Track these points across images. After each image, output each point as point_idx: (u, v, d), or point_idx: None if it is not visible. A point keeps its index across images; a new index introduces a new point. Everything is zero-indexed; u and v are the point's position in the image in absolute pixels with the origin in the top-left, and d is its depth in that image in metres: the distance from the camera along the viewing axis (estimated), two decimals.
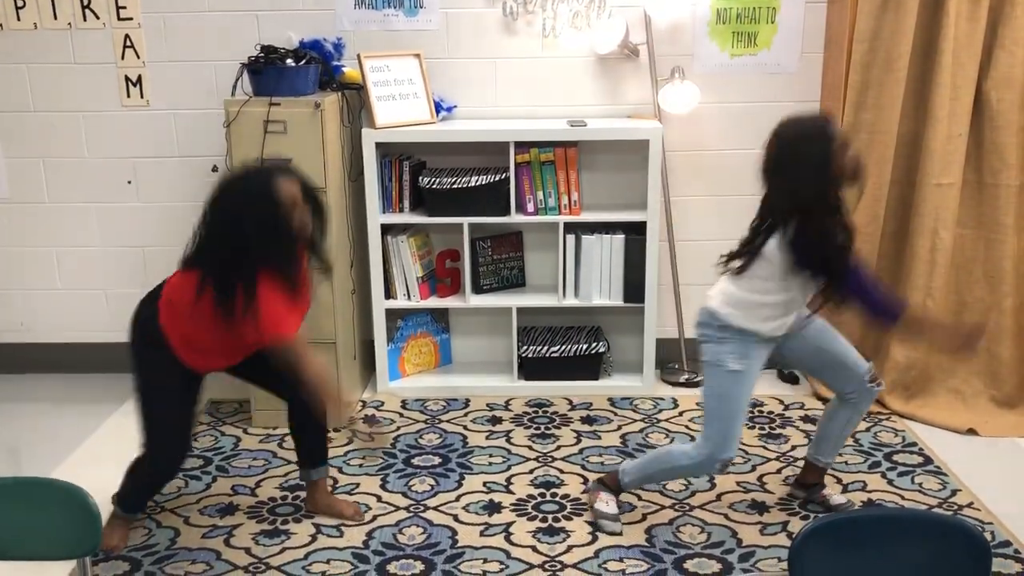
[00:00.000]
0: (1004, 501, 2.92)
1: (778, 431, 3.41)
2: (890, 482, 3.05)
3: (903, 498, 2.96)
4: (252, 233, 2.41)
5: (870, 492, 2.99)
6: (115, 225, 3.88)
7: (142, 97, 3.72)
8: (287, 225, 2.48)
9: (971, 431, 3.39)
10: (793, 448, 3.28)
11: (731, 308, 2.58)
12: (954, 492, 2.99)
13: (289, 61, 3.32)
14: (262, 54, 3.33)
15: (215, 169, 3.75)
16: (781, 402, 3.62)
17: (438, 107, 3.62)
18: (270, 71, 3.28)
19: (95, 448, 3.38)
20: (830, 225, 2.41)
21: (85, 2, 3.62)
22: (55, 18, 3.64)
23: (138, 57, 3.68)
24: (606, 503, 2.80)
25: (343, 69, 3.56)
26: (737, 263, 2.55)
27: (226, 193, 2.50)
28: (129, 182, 3.82)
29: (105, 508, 2.82)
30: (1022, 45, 3.29)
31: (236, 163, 3.29)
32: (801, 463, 3.12)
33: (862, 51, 3.39)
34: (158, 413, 2.64)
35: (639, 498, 2.95)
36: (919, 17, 3.33)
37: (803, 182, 2.39)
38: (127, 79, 3.71)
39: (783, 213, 2.44)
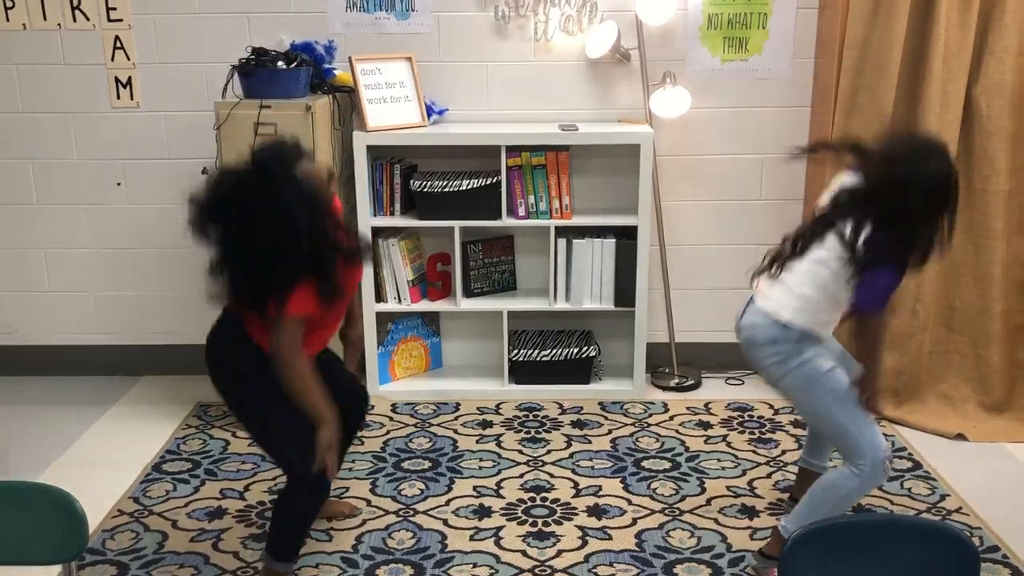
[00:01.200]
0: (993, 506, 2.93)
1: (768, 436, 3.41)
2: (880, 487, 3.05)
3: (892, 503, 2.97)
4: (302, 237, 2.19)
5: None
6: (105, 227, 3.86)
7: (132, 99, 3.71)
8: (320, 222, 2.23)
9: (960, 436, 3.40)
10: (783, 452, 3.28)
11: (802, 312, 2.45)
12: (943, 497, 3.00)
13: (280, 63, 3.31)
14: (253, 56, 3.32)
15: (204, 171, 3.73)
16: (771, 406, 3.63)
17: (429, 110, 3.62)
18: (261, 73, 3.28)
19: (83, 451, 3.36)
20: (921, 233, 2.34)
21: (75, 3, 3.61)
22: (44, 19, 3.63)
23: (128, 59, 3.67)
24: None
25: (334, 72, 3.55)
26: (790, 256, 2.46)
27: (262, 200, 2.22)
28: (119, 184, 3.81)
29: (93, 511, 2.81)
30: (1012, 52, 3.30)
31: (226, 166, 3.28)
32: (792, 468, 3.12)
33: (853, 57, 3.40)
34: (297, 430, 2.35)
35: (629, 503, 2.95)
36: (909, 24, 3.34)
37: (926, 191, 2.31)
38: (117, 80, 3.69)
39: (875, 212, 2.33)
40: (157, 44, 3.66)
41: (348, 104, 3.58)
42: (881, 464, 2.43)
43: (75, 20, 3.63)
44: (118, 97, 3.71)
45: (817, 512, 2.43)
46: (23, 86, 3.71)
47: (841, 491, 2.46)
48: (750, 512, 2.90)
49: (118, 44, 3.65)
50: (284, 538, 2.46)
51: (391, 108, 3.51)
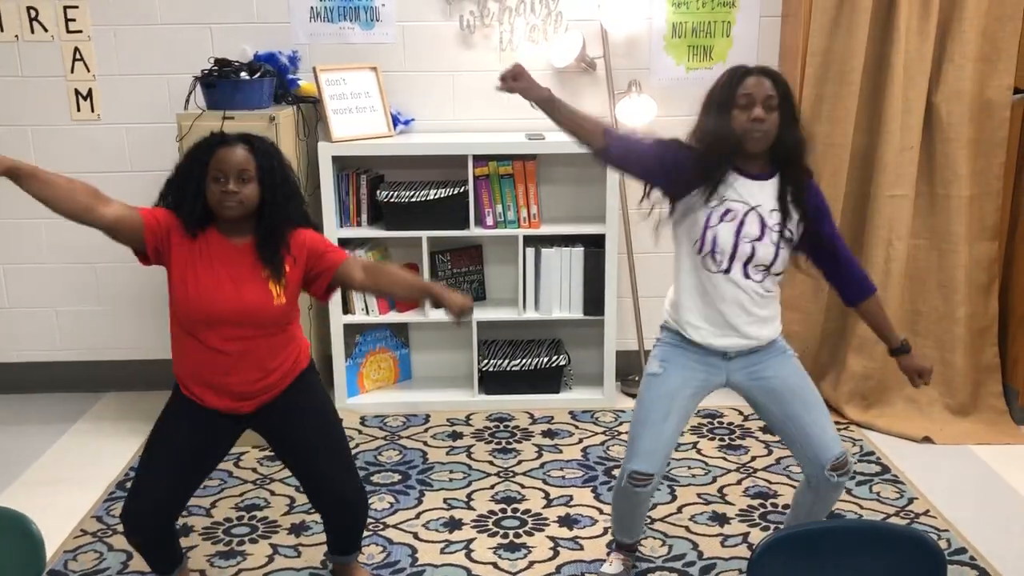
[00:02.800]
0: (959, 508, 2.96)
1: (738, 442, 3.42)
2: (848, 491, 3.07)
3: (861, 507, 2.98)
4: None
5: None
6: (65, 241, 3.80)
7: (93, 111, 3.66)
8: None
9: (927, 439, 3.43)
10: (753, 459, 3.29)
11: (669, 306, 2.44)
12: (911, 500, 3.02)
13: (243, 74, 3.28)
14: (216, 67, 3.29)
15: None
16: (740, 412, 3.64)
17: (395, 120, 3.60)
18: (224, 84, 3.24)
19: (45, 470, 3.29)
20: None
21: (33, 14, 3.55)
22: (1, 30, 3.56)
23: (88, 70, 3.61)
24: None
25: (299, 82, 3.52)
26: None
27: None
28: None
29: (55, 531, 2.76)
30: (970, 59, 3.35)
31: None
32: (762, 475, 3.13)
33: (815, 65, 3.44)
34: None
35: (600, 512, 2.94)
36: (871, 32, 3.38)
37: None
38: (77, 93, 3.64)
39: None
40: (118, 55, 3.61)
41: (313, 115, 3.56)
42: (626, 471, 2.36)
43: (33, 31, 3.57)
44: (78, 109, 3.66)
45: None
46: None
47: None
48: (721, 519, 2.90)
49: (78, 56, 3.60)
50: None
51: (357, 118, 3.49)
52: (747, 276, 2.28)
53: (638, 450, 2.35)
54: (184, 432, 2.30)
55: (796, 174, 2.28)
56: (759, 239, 2.25)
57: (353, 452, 3.32)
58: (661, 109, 3.64)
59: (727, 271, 2.28)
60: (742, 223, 2.25)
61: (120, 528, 2.87)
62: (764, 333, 2.34)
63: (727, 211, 2.25)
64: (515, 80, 2.37)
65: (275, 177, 2.27)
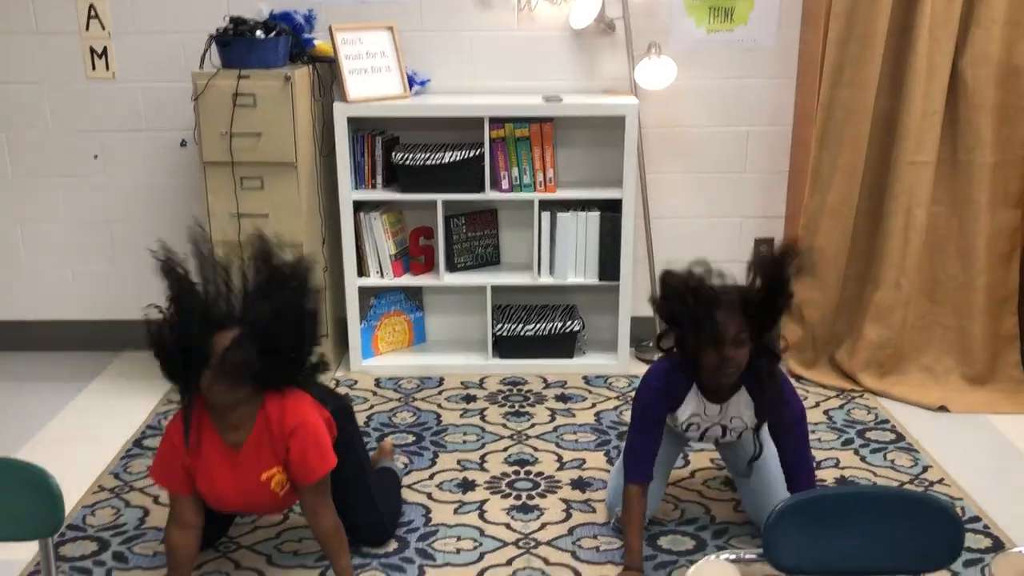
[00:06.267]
0: (974, 477, 2.95)
1: None
2: (863, 459, 3.06)
3: (875, 475, 2.98)
4: None
5: (843, 469, 3.00)
6: (81, 200, 3.80)
7: (108, 69, 3.64)
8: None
9: (942, 408, 3.41)
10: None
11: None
12: (925, 468, 3.01)
13: (259, 33, 3.25)
14: (231, 25, 3.26)
15: (183, 144, 3.68)
16: None
17: (411, 81, 3.57)
18: (239, 43, 3.21)
19: (62, 428, 3.32)
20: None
21: None
22: None
23: (103, 28, 3.59)
24: None
25: (314, 42, 3.49)
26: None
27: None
28: (95, 156, 3.74)
29: (73, 487, 2.79)
30: (998, 22, 3.28)
31: (205, 138, 3.23)
32: None
33: (838, 27, 3.37)
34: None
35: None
36: None
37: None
38: (92, 51, 3.62)
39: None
40: (133, 13, 3.58)
41: (328, 75, 3.53)
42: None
43: None
44: (93, 68, 3.64)
45: None
46: None
47: None
48: (733, 484, 2.90)
49: (93, 13, 3.57)
50: None
51: (372, 79, 3.46)
52: (717, 442, 2.60)
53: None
54: None
55: (763, 388, 2.37)
56: (722, 436, 2.51)
57: (367, 414, 3.34)
58: (681, 72, 3.59)
59: (700, 439, 2.56)
60: (705, 431, 2.50)
61: (137, 484, 2.91)
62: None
63: (690, 425, 2.49)
64: None
65: (266, 356, 2.10)
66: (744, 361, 2.29)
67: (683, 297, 2.28)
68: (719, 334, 2.23)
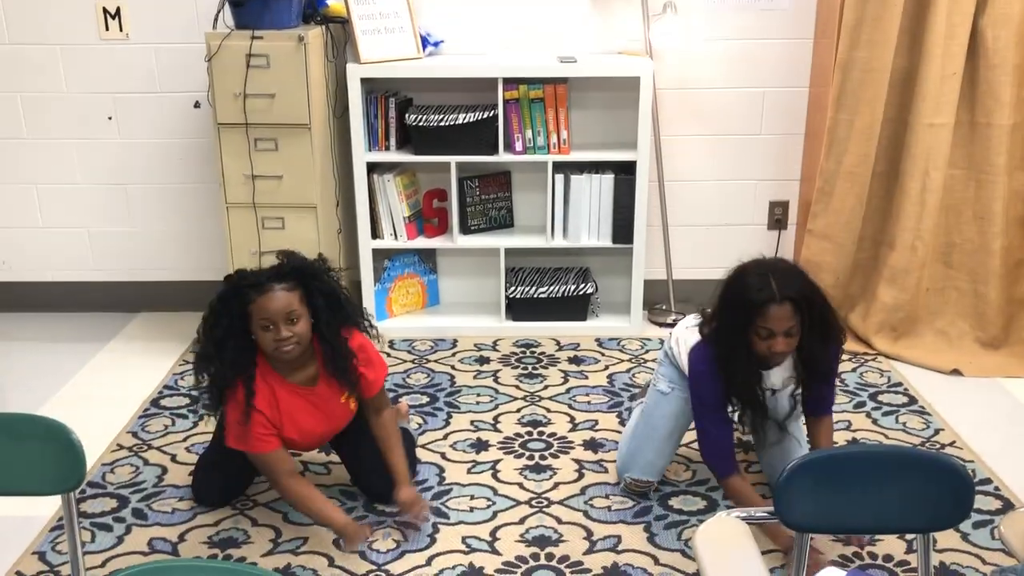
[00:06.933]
0: (986, 440, 2.95)
1: None
2: (875, 421, 3.07)
3: (887, 437, 2.99)
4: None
5: (855, 431, 3.01)
6: (97, 162, 3.81)
7: (121, 30, 3.63)
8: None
9: (956, 372, 3.41)
10: None
11: (672, 340, 2.62)
12: (937, 431, 3.02)
13: None
14: None
15: (197, 105, 3.68)
16: None
17: (424, 42, 3.54)
18: (253, 3, 3.19)
19: (81, 387, 3.37)
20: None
21: None
22: None
23: None
24: None
25: (327, 2, 3.46)
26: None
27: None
28: (110, 118, 3.75)
29: (92, 445, 2.82)
30: None
31: (218, 99, 3.23)
32: None
33: None
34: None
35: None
36: None
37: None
38: (105, 11, 3.60)
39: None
40: None
41: (341, 35, 3.51)
42: (621, 475, 2.68)
43: None
44: (107, 28, 3.63)
45: None
46: (9, 16, 3.62)
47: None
48: (746, 445, 2.91)
49: None
50: None
51: (385, 39, 3.44)
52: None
53: (640, 461, 2.61)
54: None
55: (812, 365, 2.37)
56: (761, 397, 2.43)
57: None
58: (697, 32, 3.55)
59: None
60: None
61: (155, 444, 2.96)
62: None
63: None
64: None
65: (319, 298, 2.33)
66: (794, 344, 2.28)
67: (737, 293, 2.28)
68: (769, 327, 2.22)
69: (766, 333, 2.24)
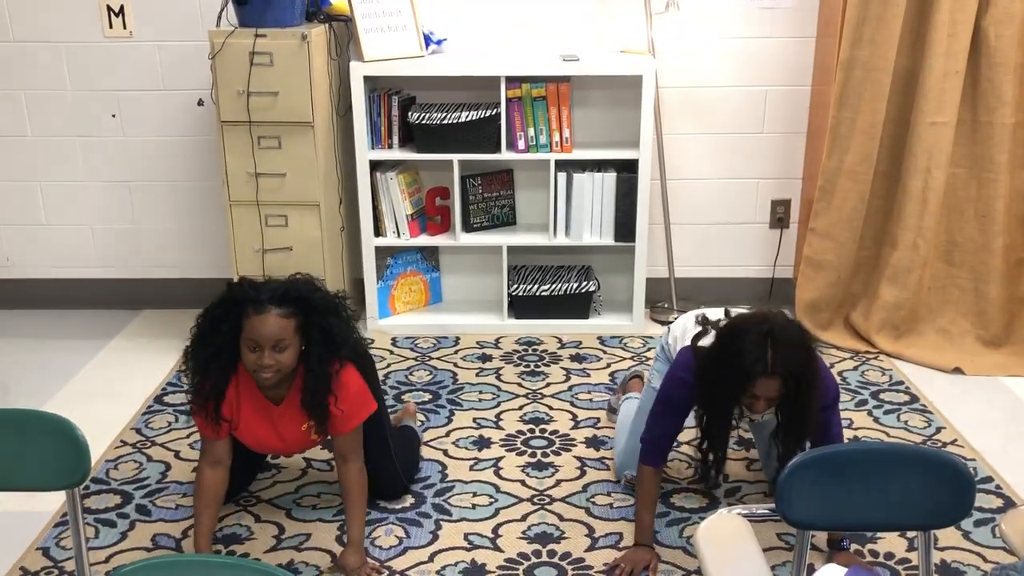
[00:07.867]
0: (987, 438, 2.96)
1: None
2: (876, 420, 3.08)
3: (888, 435, 2.99)
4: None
5: (856, 430, 3.02)
6: (100, 159, 3.82)
7: (125, 28, 3.64)
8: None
9: (957, 370, 3.42)
10: None
11: (677, 330, 2.57)
12: (938, 430, 3.02)
13: None
14: None
15: (201, 103, 3.69)
16: None
17: (427, 40, 3.55)
18: (256, 1, 3.20)
19: (84, 384, 3.38)
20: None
21: None
22: None
23: None
24: None
25: (330, 0, 3.47)
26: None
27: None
28: (113, 116, 3.75)
29: (95, 442, 2.83)
30: None
31: (222, 97, 3.24)
32: None
33: None
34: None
35: None
36: None
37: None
38: (109, 9, 3.61)
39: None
40: None
41: (344, 33, 3.52)
42: (620, 473, 2.70)
43: None
44: (110, 26, 3.64)
45: None
46: (12, 14, 3.63)
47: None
48: (747, 443, 2.92)
49: None
50: None
51: (388, 37, 3.45)
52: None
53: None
54: None
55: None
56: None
57: (384, 372, 3.37)
58: (699, 31, 3.56)
59: None
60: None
61: (159, 440, 2.97)
62: None
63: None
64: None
65: (316, 332, 2.23)
66: (773, 407, 2.25)
67: (725, 359, 2.20)
68: (756, 396, 2.18)
69: (749, 396, 2.20)
